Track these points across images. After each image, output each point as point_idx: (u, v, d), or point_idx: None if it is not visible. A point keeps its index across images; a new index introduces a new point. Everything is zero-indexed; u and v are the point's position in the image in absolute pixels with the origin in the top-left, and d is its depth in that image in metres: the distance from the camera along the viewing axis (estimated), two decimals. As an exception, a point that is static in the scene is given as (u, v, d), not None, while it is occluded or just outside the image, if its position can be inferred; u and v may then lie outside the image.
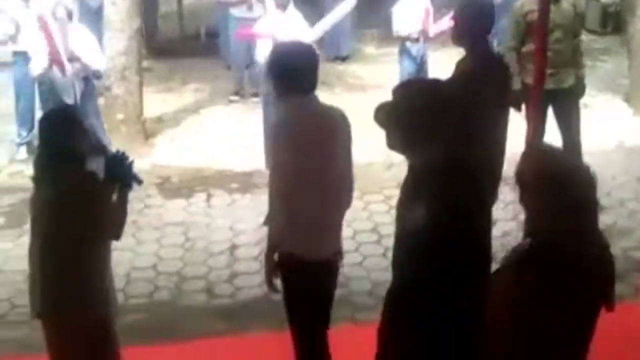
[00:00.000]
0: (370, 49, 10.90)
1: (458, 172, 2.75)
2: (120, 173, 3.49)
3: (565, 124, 6.06)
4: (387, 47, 11.07)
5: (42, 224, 3.45)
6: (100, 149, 3.62)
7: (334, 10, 6.86)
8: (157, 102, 8.85)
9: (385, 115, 2.83)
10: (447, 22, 7.83)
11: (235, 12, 9.17)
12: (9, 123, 8.38)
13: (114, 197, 3.52)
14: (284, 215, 3.41)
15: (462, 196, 2.72)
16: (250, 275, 5.45)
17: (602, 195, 5.91)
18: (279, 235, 3.45)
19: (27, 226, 6.14)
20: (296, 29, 6.51)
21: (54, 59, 6.02)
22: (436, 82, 3.01)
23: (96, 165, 3.60)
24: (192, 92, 9.79)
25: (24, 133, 7.72)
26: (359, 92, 9.19)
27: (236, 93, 9.45)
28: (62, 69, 6.04)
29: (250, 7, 9.03)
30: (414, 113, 2.75)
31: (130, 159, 3.53)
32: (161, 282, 5.38)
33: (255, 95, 9.38)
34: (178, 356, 4.56)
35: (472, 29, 4.02)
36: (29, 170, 7.18)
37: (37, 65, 6.15)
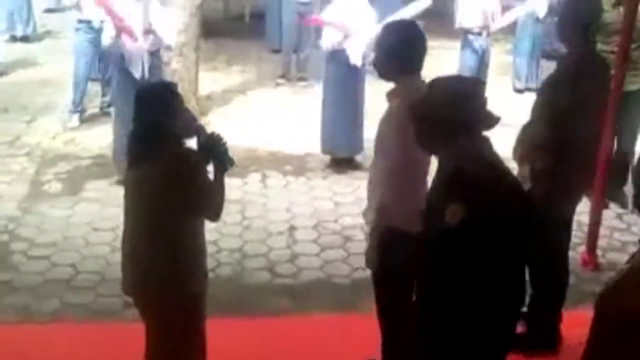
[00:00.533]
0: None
1: (483, 178, 2.76)
2: (216, 154, 3.45)
3: (625, 128, 6.04)
4: (430, 40, 11.09)
5: (139, 202, 3.40)
6: (195, 127, 3.49)
7: (408, 6, 6.67)
8: (204, 80, 8.88)
9: (419, 110, 2.91)
10: (513, 15, 7.86)
11: (289, -6, 9.19)
12: (60, 91, 8.49)
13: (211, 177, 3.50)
14: (397, 192, 3.45)
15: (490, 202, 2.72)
16: (311, 257, 5.52)
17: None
18: (390, 210, 3.49)
19: (84, 194, 6.37)
20: (364, 20, 6.51)
21: (123, 29, 6.03)
22: (469, 79, 3.11)
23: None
24: (238, 73, 9.82)
25: (78, 101, 7.79)
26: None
27: (283, 76, 9.49)
28: (133, 40, 6.05)
29: (304, -10, 9.07)
30: (443, 109, 2.81)
31: (225, 140, 3.48)
32: (224, 259, 5.42)
33: (302, 79, 9.44)
34: (245, 331, 4.60)
35: (570, 24, 3.98)
36: (82, 138, 7.42)
37: (107, 35, 6.16)
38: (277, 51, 10.36)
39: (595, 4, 4.15)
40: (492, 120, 2.87)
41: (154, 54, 6.27)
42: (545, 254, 4.15)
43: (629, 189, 6.49)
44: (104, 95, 8.05)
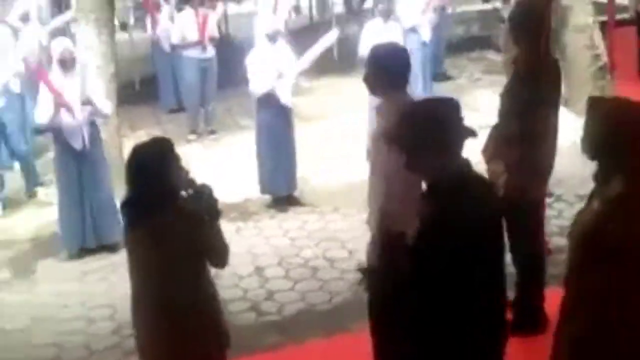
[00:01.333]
0: (305, 83, 11.28)
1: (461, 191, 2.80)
2: (208, 205, 3.51)
3: None
4: (322, 79, 11.57)
5: (153, 260, 3.44)
6: (188, 180, 3.54)
7: (317, 43, 7.01)
8: (118, 148, 8.86)
9: (398, 138, 2.96)
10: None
11: (190, 53, 9.41)
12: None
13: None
14: (395, 200, 3.69)
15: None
16: (287, 292, 5.72)
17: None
18: (390, 217, 3.71)
19: (35, 276, 6.24)
20: (286, 60, 6.83)
21: (61, 105, 6.06)
22: (443, 101, 3.08)
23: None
24: (146, 137, 9.79)
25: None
26: (306, 122, 9.63)
27: (193, 132, 9.63)
28: (72, 114, 6.08)
29: (204, 48, 9.32)
30: (420, 131, 2.83)
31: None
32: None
33: (211, 132, 9.63)
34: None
35: (527, 32, 4.44)
36: (12, 225, 7.25)
37: (44, 113, 6.12)
38: (174, 110, 10.58)
39: (542, 14, 4.60)
40: (468, 135, 2.90)
41: (92, 124, 6.31)
42: (527, 240, 4.55)
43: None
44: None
